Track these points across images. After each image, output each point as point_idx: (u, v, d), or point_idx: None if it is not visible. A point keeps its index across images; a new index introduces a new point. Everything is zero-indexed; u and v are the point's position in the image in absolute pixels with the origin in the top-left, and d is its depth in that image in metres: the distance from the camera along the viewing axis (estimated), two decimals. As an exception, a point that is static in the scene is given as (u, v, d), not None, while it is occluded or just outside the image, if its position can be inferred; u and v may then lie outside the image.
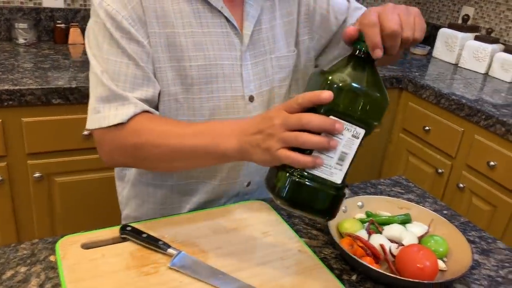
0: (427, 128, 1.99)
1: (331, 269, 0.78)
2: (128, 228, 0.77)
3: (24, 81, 1.49)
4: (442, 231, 0.88)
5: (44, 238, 0.78)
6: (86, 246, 0.75)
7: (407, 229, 0.88)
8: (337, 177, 0.64)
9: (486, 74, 2.25)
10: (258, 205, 0.92)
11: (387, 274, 0.73)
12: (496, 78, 2.20)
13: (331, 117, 0.62)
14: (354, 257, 0.75)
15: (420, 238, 0.86)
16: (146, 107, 0.80)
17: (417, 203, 1.05)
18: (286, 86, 0.98)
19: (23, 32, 1.90)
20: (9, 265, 0.72)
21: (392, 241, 0.85)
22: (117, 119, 0.78)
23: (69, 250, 0.73)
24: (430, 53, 2.54)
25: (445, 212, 1.03)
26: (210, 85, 0.87)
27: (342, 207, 0.93)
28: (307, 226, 0.90)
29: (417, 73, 2.14)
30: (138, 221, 0.82)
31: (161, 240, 0.75)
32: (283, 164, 0.64)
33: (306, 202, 0.64)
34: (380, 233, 0.87)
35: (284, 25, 0.96)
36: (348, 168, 0.65)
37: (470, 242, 0.93)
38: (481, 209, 1.78)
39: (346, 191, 0.69)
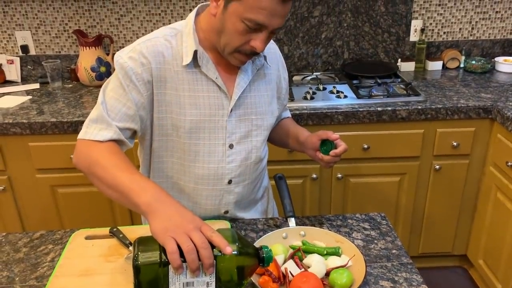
0: (510, 163, 1.83)
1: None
2: (114, 229, 1.13)
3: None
4: (357, 266, 0.99)
5: (71, 229, 1.20)
6: (88, 238, 1.13)
7: (328, 260, 1.02)
8: None
9: None
10: (220, 224, 1.17)
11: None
12: None
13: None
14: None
15: (331, 269, 0.99)
16: (122, 137, 1.08)
17: (373, 240, 1.14)
18: (261, 139, 1.23)
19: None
20: (46, 242, 1.15)
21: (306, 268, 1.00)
22: (97, 137, 1.05)
23: (76, 238, 1.13)
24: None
25: (393, 251, 1.09)
26: (197, 134, 1.15)
27: (283, 234, 1.11)
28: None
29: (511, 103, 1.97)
30: (126, 226, 1.17)
31: (128, 240, 1.09)
32: (162, 249, 0.81)
33: (143, 277, 0.81)
34: (302, 260, 1.03)
35: (267, 95, 1.23)
36: None
37: (394, 282, 1.00)
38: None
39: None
